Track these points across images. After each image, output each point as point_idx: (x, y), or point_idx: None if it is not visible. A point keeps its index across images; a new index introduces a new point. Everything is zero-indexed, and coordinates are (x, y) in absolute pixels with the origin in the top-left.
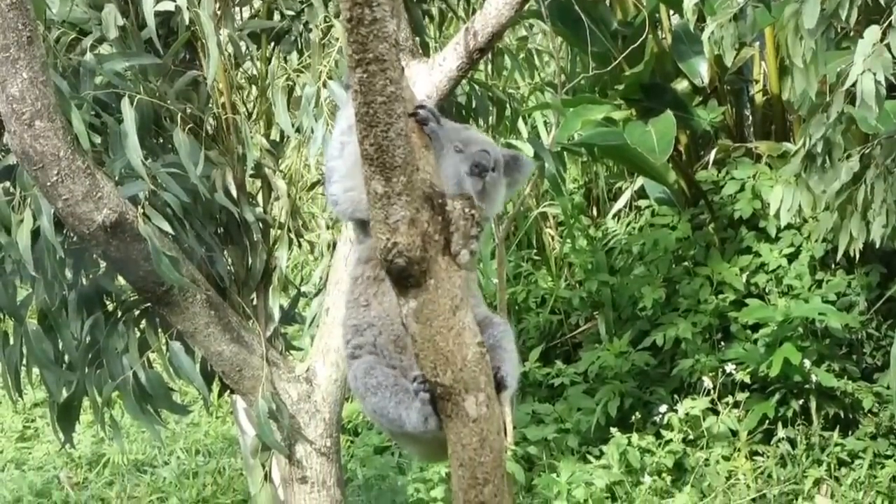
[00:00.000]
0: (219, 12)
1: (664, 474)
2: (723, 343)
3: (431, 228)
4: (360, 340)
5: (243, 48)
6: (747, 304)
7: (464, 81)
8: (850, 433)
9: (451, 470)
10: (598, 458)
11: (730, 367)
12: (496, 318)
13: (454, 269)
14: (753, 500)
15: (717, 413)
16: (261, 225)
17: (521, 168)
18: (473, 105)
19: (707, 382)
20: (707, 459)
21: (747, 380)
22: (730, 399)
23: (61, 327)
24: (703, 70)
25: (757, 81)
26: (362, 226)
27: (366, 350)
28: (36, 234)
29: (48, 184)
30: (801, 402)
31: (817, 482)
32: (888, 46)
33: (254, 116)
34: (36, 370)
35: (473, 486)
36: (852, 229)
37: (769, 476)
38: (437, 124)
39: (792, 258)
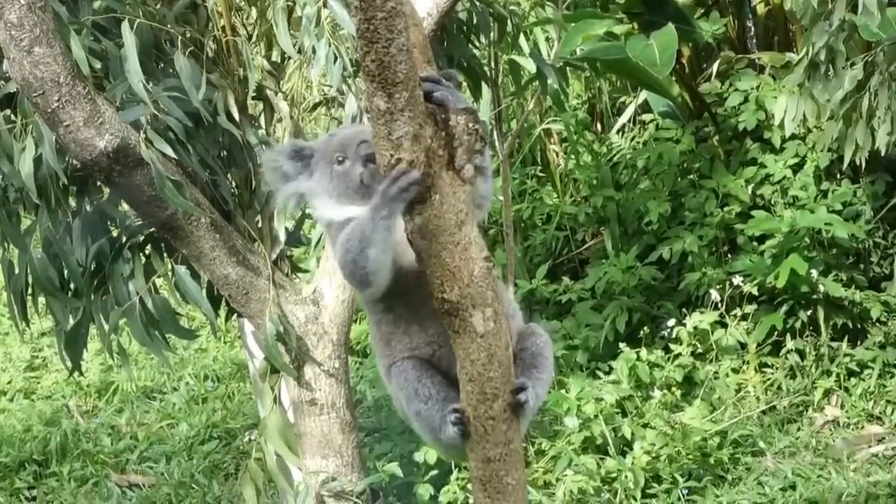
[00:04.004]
0: None
1: (674, 388)
2: (729, 255)
3: (435, 144)
4: (417, 353)
5: None
6: (753, 215)
7: None
8: (858, 343)
9: (459, 386)
10: (607, 373)
11: (737, 280)
12: (537, 328)
13: (458, 185)
14: (763, 412)
15: (725, 326)
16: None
17: None
18: (475, 21)
19: (714, 295)
20: (716, 372)
21: (755, 292)
22: (737, 311)
23: (66, 255)
24: None
25: None
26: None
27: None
28: (38, 161)
29: (49, 110)
30: (808, 312)
31: (827, 393)
32: None
33: (254, 38)
34: (42, 299)
35: (483, 402)
36: (857, 137)
37: (779, 388)
38: (442, 84)
39: (797, 169)
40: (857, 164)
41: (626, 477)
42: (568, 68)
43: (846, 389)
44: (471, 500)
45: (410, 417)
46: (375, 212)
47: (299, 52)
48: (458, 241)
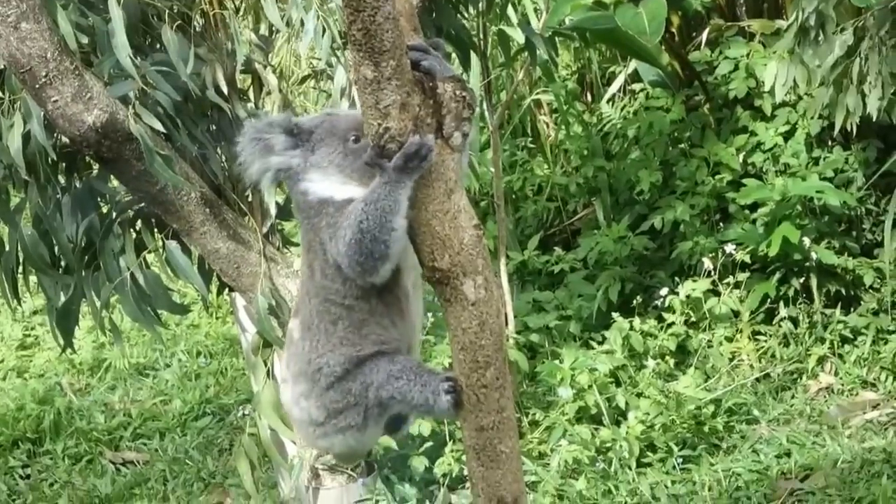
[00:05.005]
0: None
1: (667, 357)
2: (721, 224)
3: (423, 112)
4: (385, 348)
5: None
6: (744, 184)
7: None
8: (852, 310)
9: (452, 355)
10: (600, 343)
11: (729, 248)
12: None
13: (447, 152)
14: (757, 380)
15: (718, 294)
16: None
17: None
18: None
19: (707, 264)
20: (710, 341)
21: (747, 260)
22: (730, 280)
23: (57, 231)
24: None
25: None
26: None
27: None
28: (27, 138)
29: (36, 86)
30: (801, 280)
31: (821, 360)
32: None
33: (242, 11)
34: (33, 277)
35: (475, 370)
36: (848, 103)
37: (772, 356)
38: (430, 53)
39: (788, 136)
40: (849, 130)
41: (620, 446)
42: (557, 38)
43: (840, 356)
44: (465, 472)
45: (384, 402)
46: (393, 184)
47: (287, 24)
48: (448, 210)
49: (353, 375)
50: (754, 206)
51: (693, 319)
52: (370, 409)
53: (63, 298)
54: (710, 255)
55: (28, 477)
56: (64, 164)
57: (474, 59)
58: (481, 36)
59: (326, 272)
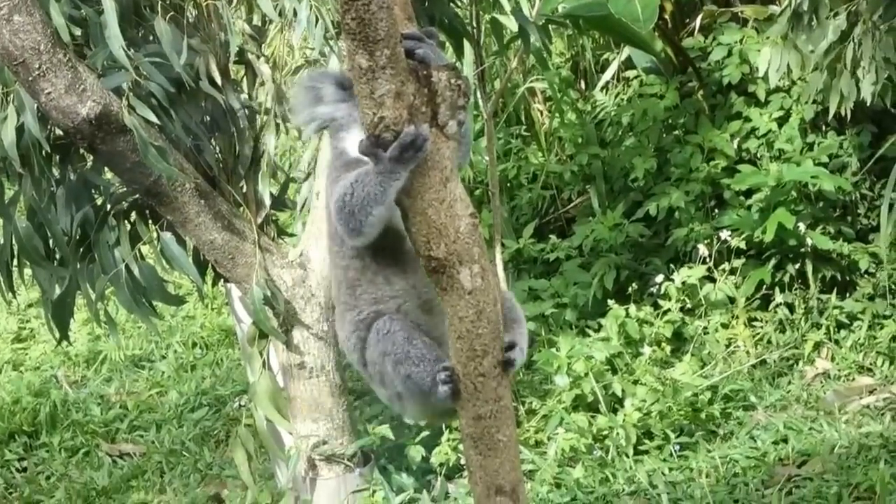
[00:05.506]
0: None
1: (663, 344)
2: (716, 210)
3: (418, 101)
4: (382, 308)
5: None
6: (739, 170)
7: None
8: (847, 295)
9: (449, 344)
10: (596, 331)
11: (724, 234)
12: (505, 293)
13: (443, 141)
14: (754, 366)
15: (713, 281)
16: (247, 111)
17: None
18: None
19: (702, 250)
20: (706, 328)
21: (742, 246)
22: (725, 266)
23: (51, 223)
24: None
25: None
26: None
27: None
28: (21, 130)
29: (30, 79)
30: (797, 266)
31: (817, 346)
32: None
33: (234, 1)
34: (28, 270)
35: (472, 359)
36: (842, 88)
37: (768, 342)
38: (424, 42)
39: (782, 122)
40: (843, 115)
41: (617, 434)
42: (550, 26)
43: (836, 342)
44: (462, 461)
45: (397, 380)
46: (387, 174)
47: (280, 14)
48: (444, 198)
49: (368, 343)
50: (749, 192)
51: (689, 306)
52: (398, 377)
53: (58, 291)
54: (706, 242)
55: (25, 470)
56: (58, 157)
57: (468, 47)
58: (474, 24)
59: (330, 232)
